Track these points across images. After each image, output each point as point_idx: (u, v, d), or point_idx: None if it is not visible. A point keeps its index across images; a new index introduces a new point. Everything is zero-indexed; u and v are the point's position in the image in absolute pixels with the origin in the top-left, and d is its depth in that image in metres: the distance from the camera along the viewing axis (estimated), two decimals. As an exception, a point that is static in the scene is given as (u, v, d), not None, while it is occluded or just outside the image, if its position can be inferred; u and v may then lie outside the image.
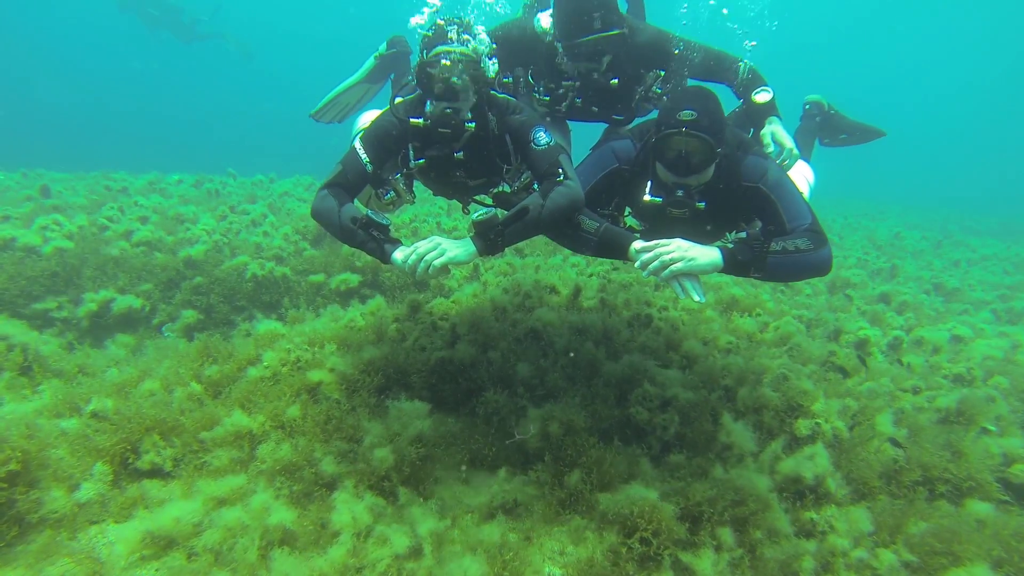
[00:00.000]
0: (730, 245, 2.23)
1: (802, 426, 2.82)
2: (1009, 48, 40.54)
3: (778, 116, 2.74)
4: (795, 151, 2.72)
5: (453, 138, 2.49)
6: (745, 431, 2.67)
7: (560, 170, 2.46)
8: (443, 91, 2.42)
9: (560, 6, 2.77)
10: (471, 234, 2.38)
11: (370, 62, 3.48)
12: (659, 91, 2.99)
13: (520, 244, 6.42)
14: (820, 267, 2.28)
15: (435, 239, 2.33)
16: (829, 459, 2.55)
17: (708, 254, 2.20)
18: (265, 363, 2.92)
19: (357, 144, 2.60)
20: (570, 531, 2.23)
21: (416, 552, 2.05)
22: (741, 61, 2.82)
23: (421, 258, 2.27)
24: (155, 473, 2.37)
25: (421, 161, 2.61)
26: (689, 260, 2.18)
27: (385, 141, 2.61)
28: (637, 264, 2.29)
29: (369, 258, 5.51)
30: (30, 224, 5.74)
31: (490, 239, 2.35)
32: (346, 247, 5.91)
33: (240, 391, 2.74)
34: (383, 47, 3.46)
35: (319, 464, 2.35)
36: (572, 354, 3.20)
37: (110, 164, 11.11)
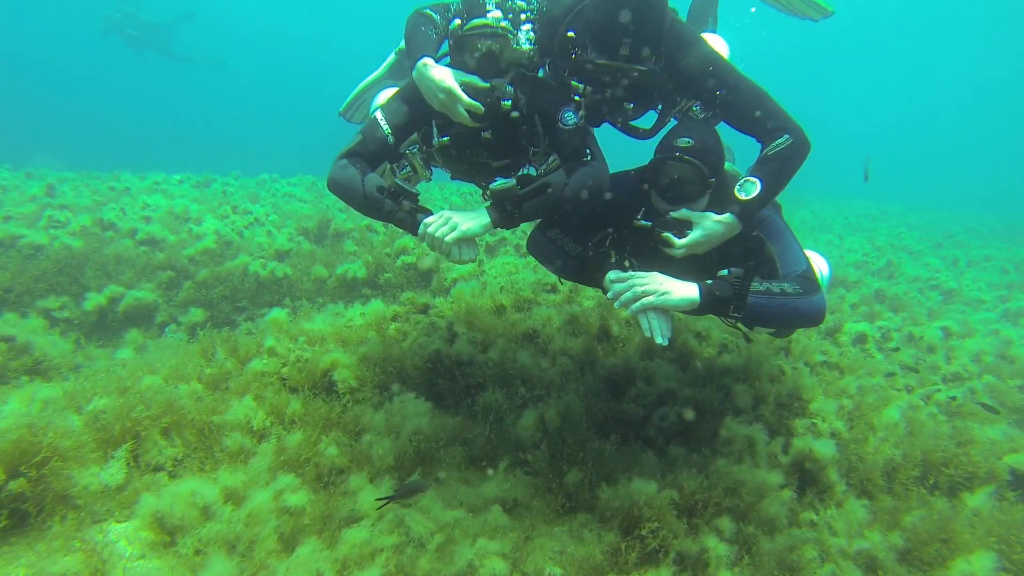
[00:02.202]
0: (710, 281, 2.12)
1: (799, 426, 2.86)
2: (1012, 46, 40.47)
3: (739, 222, 2.25)
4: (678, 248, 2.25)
5: (487, 117, 2.30)
6: (745, 427, 2.70)
7: (587, 150, 2.38)
8: (481, 66, 2.28)
9: (588, 12, 2.30)
10: (487, 204, 2.32)
11: (392, 58, 3.33)
12: (697, 111, 2.50)
13: (520, 242, 6.47)
14: (808, 315, 2.14)
15: (445, 213, 2.26)
16: (834, 451, 2.58)
17: (684, 290, 2.08)
18: (266, 360, 2.96)
19: (378, 115, 2.46)
20: (570, 529, 2.26)
21: (422, 546, 2.08)
22: (785, 135, 2.27)
23: (434, 236, 2.22)
24: (160, 469, 2.41)
25: (445, 139, 2.45)
26: (662, 294, 2.08)
27: (409, 114, 2.43)
28: (609, 294, 2.20)
29: (371, 257, 5.58)
30: (34, 224, 5.80)
31: (507, 210, 2.28)
32: (348, 244, 5.97)
33: (242, 388, 2.78)
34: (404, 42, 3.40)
35: (323, 460, 2.39)
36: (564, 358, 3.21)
37: (115, 165, 11.19)
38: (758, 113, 2.30)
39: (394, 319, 3.59)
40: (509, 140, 2.50)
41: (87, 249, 5.22)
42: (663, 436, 2.77)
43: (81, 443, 2.25)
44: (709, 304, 2.08)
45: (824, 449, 2.55)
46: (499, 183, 2.26)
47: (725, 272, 2.10)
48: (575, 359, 3.22)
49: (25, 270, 4.72)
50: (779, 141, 2.26)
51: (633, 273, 2.19)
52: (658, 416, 2.77)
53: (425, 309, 3.75)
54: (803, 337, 3.76)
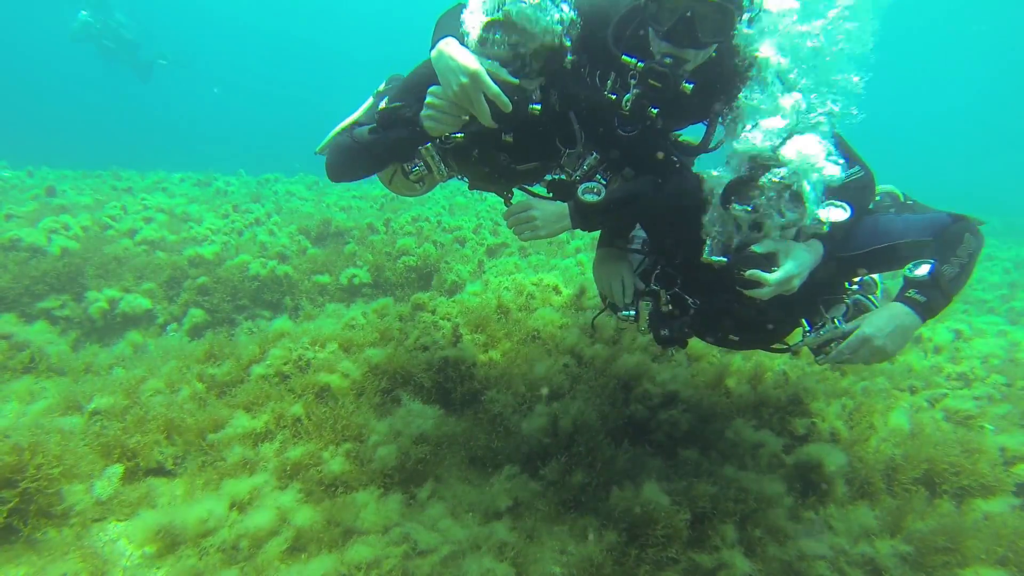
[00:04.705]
0: (913, 294, 1.96)
1: (799, 425, 2.84)
2: (1013, 45, 40.38)
3: (824, 250, 2.00)
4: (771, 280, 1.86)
5: (511, 119, 1.99)
6: (751, 430, 2.68)
7: (672, 157, 2.13)
8: (512, 64, 1.95)
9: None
10: (571, 210, 2.13)
11: (370, 101, 3.07)
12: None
13: (524, 244, 6.45)
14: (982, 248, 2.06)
15: (532, 209, 2.10)
16: (845, 457, 2.54)
17: (903, 326, 1.94)
18: (268, 362, 2.94)
19: (383, 104, 2.17)
20: (573, 530, 2.24)
21: (425, 551, 2.06)
22: (856, 166, 2.07)
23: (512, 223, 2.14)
24: (160, 472, 2.39)
25: (460, 135, 2.12)
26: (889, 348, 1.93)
27: (421, 95, 2.04)
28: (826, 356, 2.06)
29: (372, 256, 5.55)
30: (35, 223, 5.78)
31: (589, 220, 2.14)
32: (350, 246, 5.94)
33: (245, 391, 2.76)
34: (382, 85, 3.10)
35: (327, 464, 2.38)
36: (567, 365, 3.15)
37: (118, 162, 11.16)
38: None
39: (399, 318, 3.57)
40: (537, 141, 2.22)
41: (87, 250, 5.20)
42: (671, 440, 2.74)
43: (78, 454, 2.23)
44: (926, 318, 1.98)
45: (833, 461, 2.51)
46: (587, 198, 2.08)
47: (909, 270, 1.98)
48: (582, 361, 3.20)
49: (25, 272, 4.70)
50: (852, 171, 2.03)
51: (852, 341, 1.98)
52: (667, 422, 2.75)
53: (431, 309, 3.73)
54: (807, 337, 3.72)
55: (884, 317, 1.96)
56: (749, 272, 1.83)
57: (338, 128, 3.16)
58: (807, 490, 2.52)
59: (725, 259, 1.89)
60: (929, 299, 1.95)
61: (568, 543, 2.18)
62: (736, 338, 2.26)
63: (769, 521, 2.27)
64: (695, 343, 3.39)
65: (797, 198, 1.78)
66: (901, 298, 1.99)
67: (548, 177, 2.36)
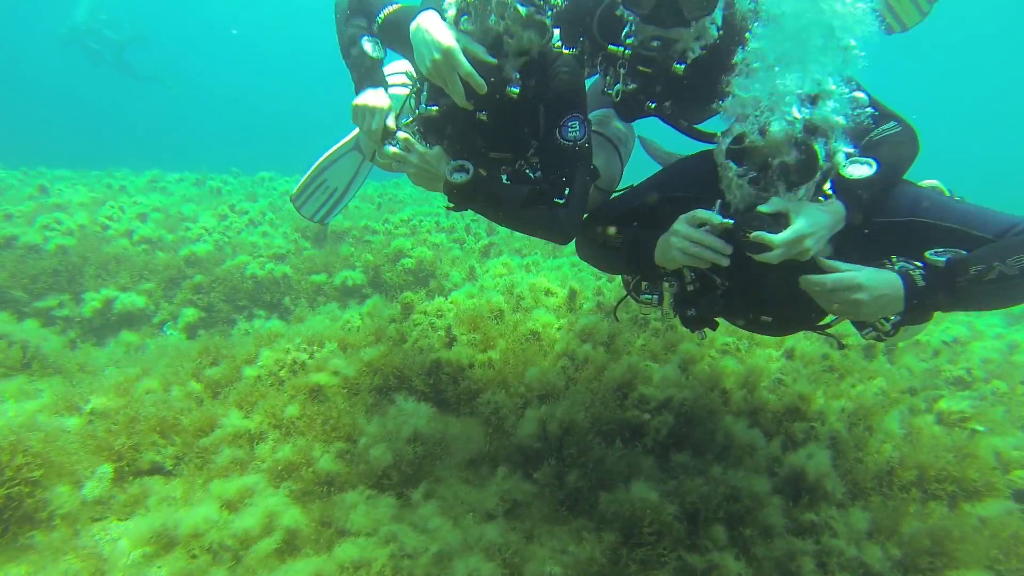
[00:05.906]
0: (917, 274, 1.66)
1: (797, 429, 2.83)
2: (1013, 45, 40.39)
3: (847, 211, 1.74)
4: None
5: (486, 100, 1.90)
6: (744, 431, 2.67)
7: (567, 192, 2.00)
8: (490, 44, 1.87)
9: None
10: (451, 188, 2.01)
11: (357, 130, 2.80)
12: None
13: (519, 245, 6.44)
14: None
15: (412, 156, 1.96)
16: (829, 459, 2.51)
17: (888, 301, 1.64)
18: (261, 363, 2.93)
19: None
20: (571, 531, 2.24)
21: (418, 551, 2.06)
22: (891, 122, 1.89)
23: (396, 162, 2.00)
24: (156, 471, 2.39)
25: (434, 109, 2.03)
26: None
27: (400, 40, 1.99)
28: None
29: (371, 256, 5.53)
30: (32, 222, 5.76)
31: (456, 199, 2.05)
32: (345, 247, 5.94)
33: (238, 391, 2.75)
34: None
35: (318, 463, 2.37)
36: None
37: (113, 162, 11.13)
38: None
39: (392, 321, 3.57)
40: (509, 129, 2.08)
41: (86, 249, 5.19)
42: (661, 446, 2.74)
43: (75, 447, 2.23)
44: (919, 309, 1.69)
45: (817, 465, 2.48)
46: (453, 177, 1.95)
47: (931, 255, 1.68)
48: (576, 362, 3.19)
49: (22, 270, 4.69)
50: (886, 127, 1.85)
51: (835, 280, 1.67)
52: (655, 428, 2.74)
53: (423, 309, 3.72)
54: (805, 341, 3.73)
55: (881, 280, 1.68)
56: (754, 234, 1.65)
57: (316, 166, 3.07)
58: (801, 492, 2.52)
59: (731, 221, 1.71)
60: (928, 289, 1.65)
61: (568, 544, 2.18)
62: (769, 319, 2.05)
63: (760, 521, 2.26)
64: (691, 348, 3.41)
65: (808, 151, 1.64)
66: (903, 272, 1.69)
67: (516, 168, 2.22)
